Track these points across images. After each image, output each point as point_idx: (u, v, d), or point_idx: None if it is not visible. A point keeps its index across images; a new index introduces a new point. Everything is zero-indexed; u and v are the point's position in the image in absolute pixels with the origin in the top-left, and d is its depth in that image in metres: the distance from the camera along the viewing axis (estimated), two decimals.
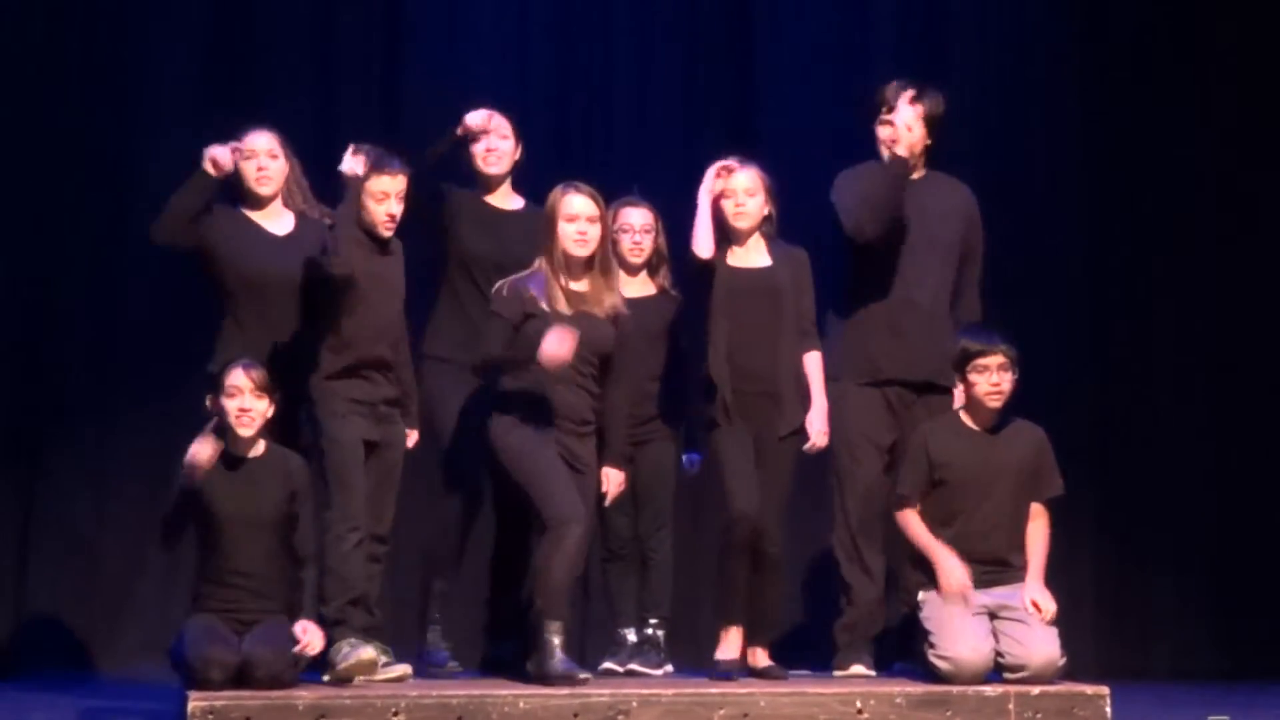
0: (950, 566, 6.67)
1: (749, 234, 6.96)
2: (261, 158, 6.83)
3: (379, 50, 8.69)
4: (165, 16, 8.47)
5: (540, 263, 6.66)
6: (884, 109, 7.08)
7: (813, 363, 6.96)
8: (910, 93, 6.98)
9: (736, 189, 6.95)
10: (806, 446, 6.90)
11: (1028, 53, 9.09)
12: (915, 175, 7.09)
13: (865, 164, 7.07)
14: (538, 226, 6.78)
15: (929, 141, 7.08)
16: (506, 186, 7.18)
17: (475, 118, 6.97)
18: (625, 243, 7.19)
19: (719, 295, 6.87)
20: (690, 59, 8.91)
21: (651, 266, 7.27)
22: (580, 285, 6.65)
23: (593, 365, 6.66)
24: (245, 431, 6.42)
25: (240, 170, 6.79)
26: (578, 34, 8.85)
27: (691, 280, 6.97)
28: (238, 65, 8.49)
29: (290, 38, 8.59)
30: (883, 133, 7.09)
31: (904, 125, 6.95)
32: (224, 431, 6.44)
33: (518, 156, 7.19)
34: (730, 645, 6.78)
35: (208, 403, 6.51)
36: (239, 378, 6.42)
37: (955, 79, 8.85)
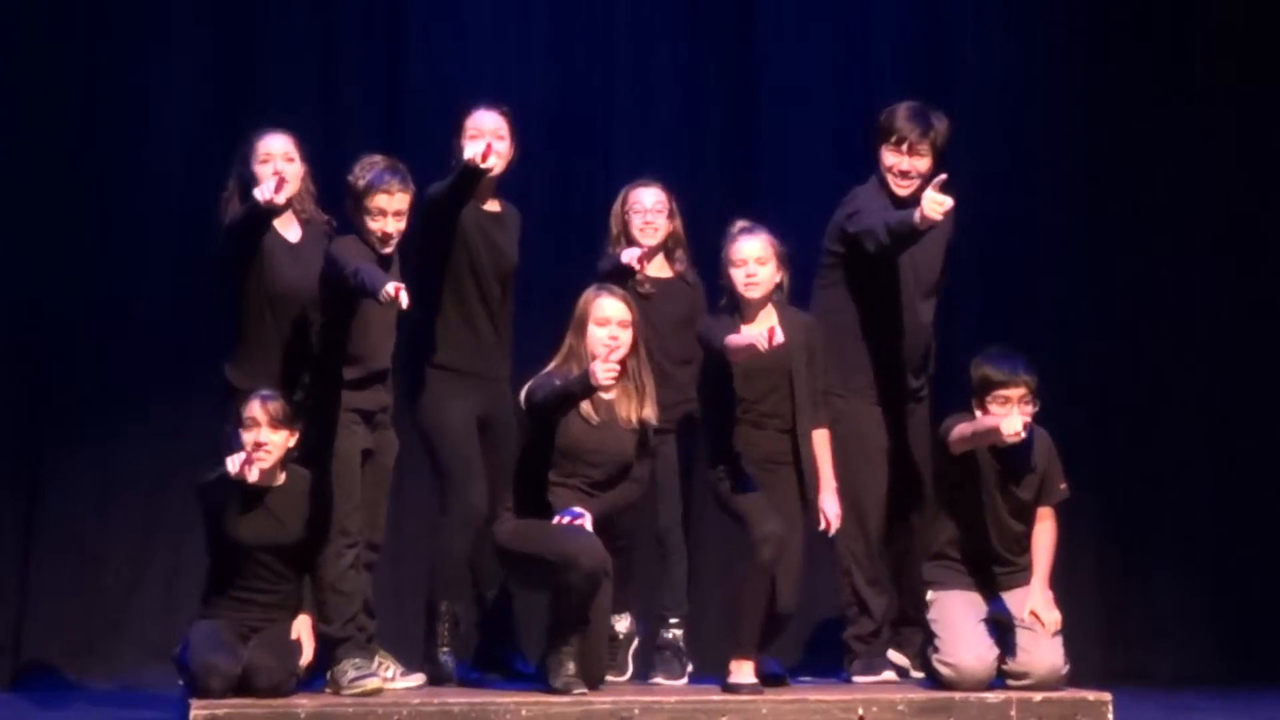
0: (997, 420, 6.47)
1: (760, 305, 6.76)
2: (278, 161, 6.75)
3: (380, 50, 8.66)
4: (167, 20, 8.45)
5: (565, 364, 6.58)
6: (893, 138, 7.01)
7: (820, 440, 6.81)
8: (940, 179, 6.64)
9: (747, 258, 6.73)
10: (821, 529, 6.76)
11: (1029, 56, 9.06)
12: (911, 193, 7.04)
13: (889, 215, 6.84)
14: (515, 225, 6.95)
15: (935, 167, 6.98)
16: (492, 189, 7.08)
17: (475, 148, 6.68)
18: (637, 222, 7.13)
19: (732, 373, 6.68)
20: (692, 59, 8.87)
21: (667, 250, 7.20)
22: (608, 394, 6.56)
23: (608, 474, 6.63)
24: (262, 465, 6.39)
25: (256, 175, 6.70)
26: (578, 34, 8.82)
27: (709, 357, 6.77)
28: (239, 66, 8.46)
29: (291, 38, 8.55)
30: (888, 159, 7.03)
31: (933, 203, 6.56)
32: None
33: (511, 157, 7.07)
34: (746, 672, 6.60)
35: (226, 430, 6.49)
36: (256, 410, 6.39)
37: (956, 82, 8.87)
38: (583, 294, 6.69)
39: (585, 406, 6.56)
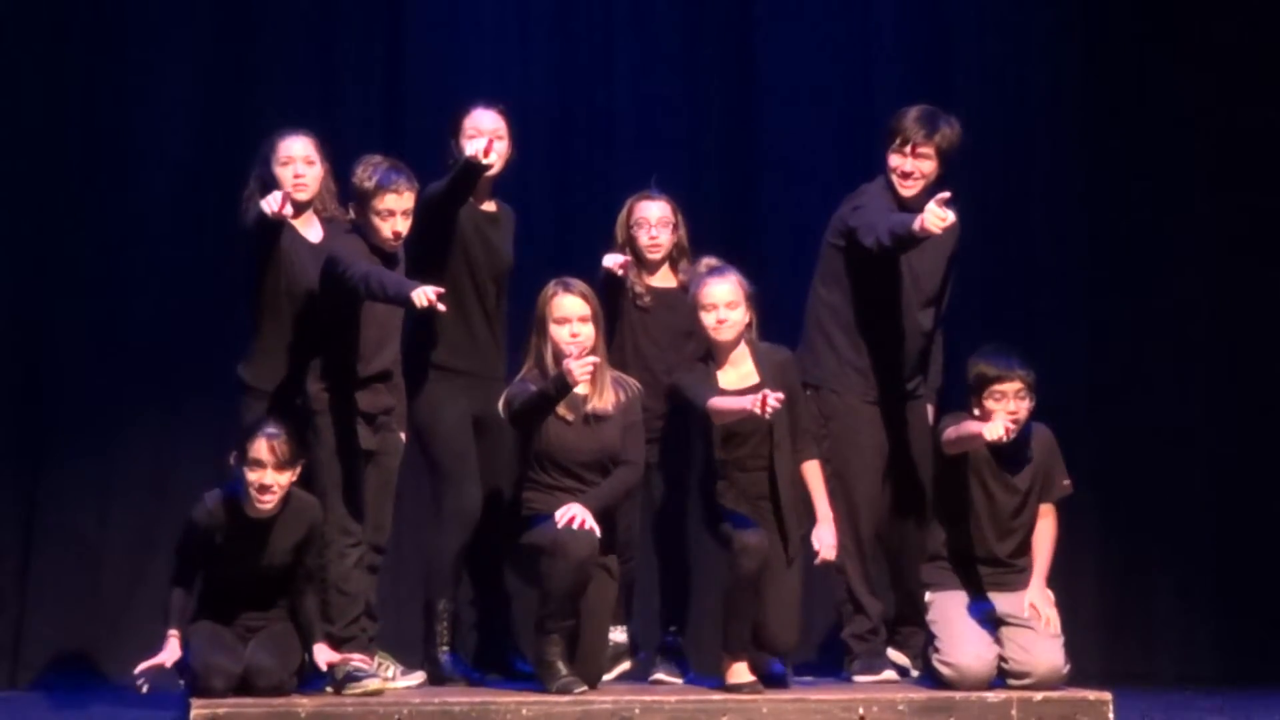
0: (980, 427, 6.49)
1: (732, 347, 6.73)
2: (298, 164, 6.76)
3: (380, 49, 8.65)
4: (166, 20, 8.44)
5: (531, 367, 6.60)
6: (898, 139, 7.00)
7: (812, 473, 6.78)
8: (943, 196, 6.59)
9: (717, 302, 6.68)
10: (817, 562, 6.73)
11: (1029, 56, 9.06)
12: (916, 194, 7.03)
13: (894, 215, 6.82)
14: (509, 224, 6.97)
15: (941, 171, 6.99)
16: (488, 189, 7.07)
17: (476, 145, 6.66)
18: (642, 238, 7.09)
19: (712, 427, 6.65)
20: (691, 58, 8.87)
21: (672, 260, 7.17)
22: (579, 388, 6.54)
23: (602, 469, 6.62)
24: (264, 508, 6.37)
25: (277, 177, 6.72)
26: (578, 33, 8.82)
27: (688, 413, 6.75)
28: (238, 66, 8.47)
29: (291, 37, 8.55)
30: (893, 160, 7.01)
31: (934, 216, 6.52)
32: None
33: (509, 156, 7.05)
34: (741, 672, 6.59)
35: (231, 460, 6.46)
36: (263, 451, 6.32)
37: (956, 82, 8.87)
38: (541, 292, 6.67)
39: (561, 407, 6.55)
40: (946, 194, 6.60)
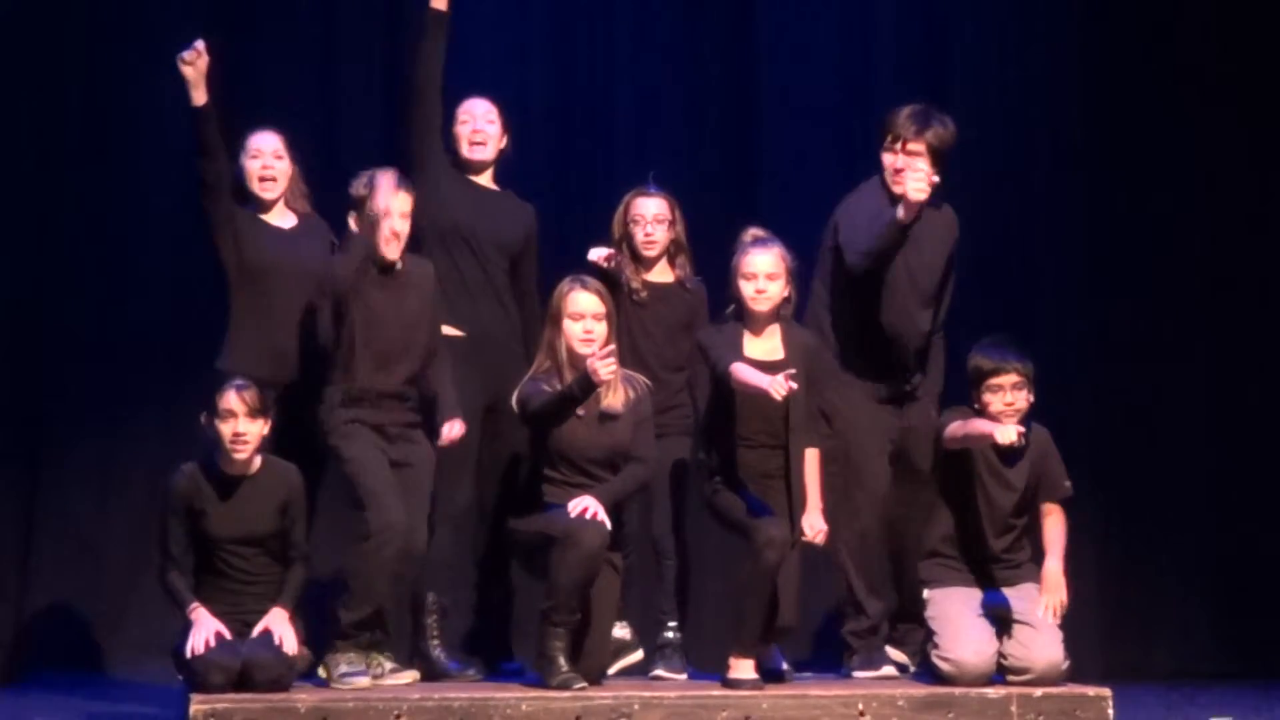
0: (991, 428, 6.50)
1: (768, 320, 6.71)
2: (267, 157, 6.93)
3: (380, 46, 8.65)
4: (165, 18, 8.42)
5: (544, 362, 6.61)
6: (889, 136, 6.97)
7: (811, 460, 6.73)
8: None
9: (758, 272, 6.65)
10: (804, 539, 6.68)
11: (1029, 55, 9.07)
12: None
13: (873, 225, 6.80)
14: (520, 210, 7.06)
15: (937, 169, 6.92)
16: (489, 175, 7.13)
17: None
18: (638, 234, 7.09)
19: (733, 392, 6.61)
20: (692, 56, 8.88)
21: (669, 255, 7.16)
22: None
23: (614, 466, 6.61)
24: (240, 456, 6.40)
25: (245, 169, 6.90)
26: (578, 32, 8.82)
27: (710, 374, 6.69)
28: (237, 65, 8.44)
29: (290, 36, 8.56)
30: (885, 158, 6.98)
31: (914, 183, 6.57)
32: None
33: (503, 145, 7.13)
34: (746, 668, 6.57)
35: (202, 420, 6.47)
36: (233, 401, 6.38)
37: (956, 82, 8.88)
38: (556, 288, 6.69)
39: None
40: (935, 178, 6.60)
